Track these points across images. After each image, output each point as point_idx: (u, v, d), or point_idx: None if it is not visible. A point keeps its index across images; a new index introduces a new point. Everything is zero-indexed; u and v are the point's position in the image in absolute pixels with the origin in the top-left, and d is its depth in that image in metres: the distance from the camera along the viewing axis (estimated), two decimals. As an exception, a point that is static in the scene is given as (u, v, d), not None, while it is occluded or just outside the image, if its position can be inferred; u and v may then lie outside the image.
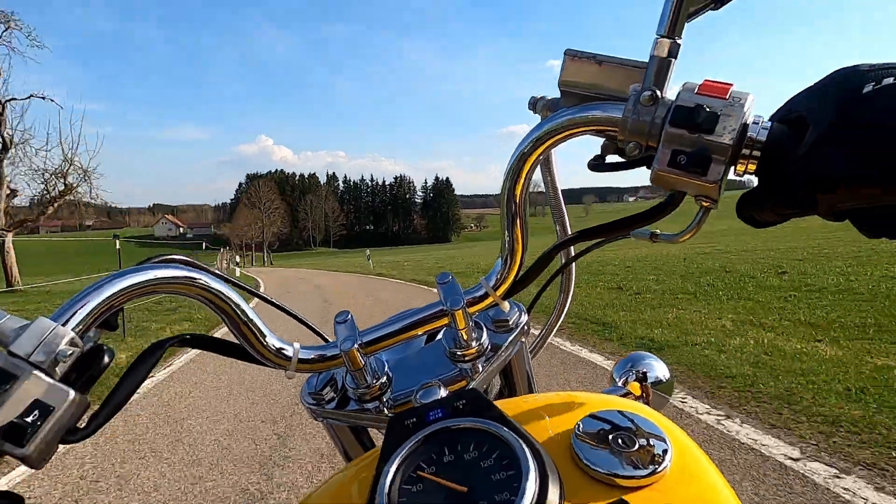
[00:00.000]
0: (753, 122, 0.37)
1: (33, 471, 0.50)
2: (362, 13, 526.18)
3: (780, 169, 0.37)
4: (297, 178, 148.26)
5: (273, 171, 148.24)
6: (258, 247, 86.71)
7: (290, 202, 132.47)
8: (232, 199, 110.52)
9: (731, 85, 0.38)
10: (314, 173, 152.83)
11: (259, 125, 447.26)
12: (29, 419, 0.33)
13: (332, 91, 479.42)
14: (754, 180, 0.40)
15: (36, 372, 0.34)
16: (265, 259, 76.00)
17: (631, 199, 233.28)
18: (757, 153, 0.37)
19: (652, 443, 0.38)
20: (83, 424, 0.37)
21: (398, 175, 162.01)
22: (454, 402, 0.42)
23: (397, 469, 0.37)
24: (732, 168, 0.38)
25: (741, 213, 0.41)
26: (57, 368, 0.36)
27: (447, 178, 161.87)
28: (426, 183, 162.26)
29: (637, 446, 0.38)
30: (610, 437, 0.38)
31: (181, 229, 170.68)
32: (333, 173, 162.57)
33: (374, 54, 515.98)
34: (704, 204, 0.40)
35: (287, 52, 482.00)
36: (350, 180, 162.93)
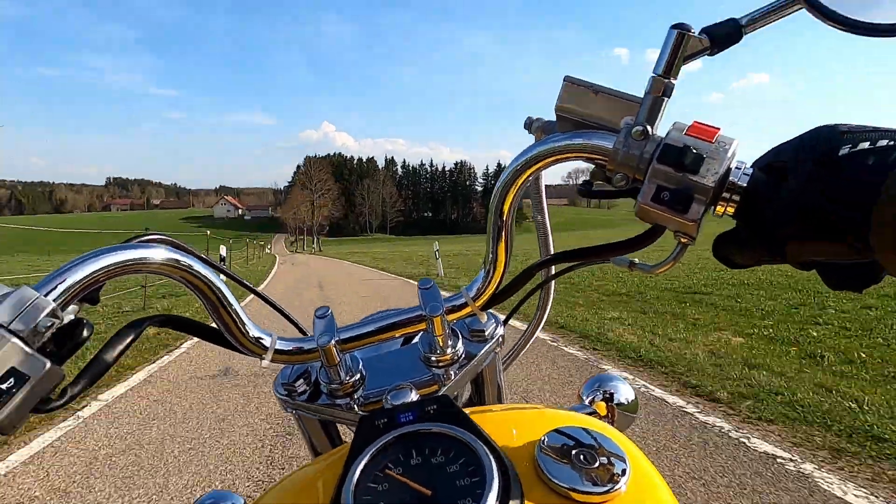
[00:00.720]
0: (736, 167, 0.39)
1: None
2: (422, 3, 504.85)
3: (756, 215, 0.38)
4: (356, 161, 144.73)
5: (332, 153, 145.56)
6: (311, 231, 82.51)
7: (348, 186, 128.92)
8: (289, 182, 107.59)
9: (719, 129, 0.39)
10: (373, 157, 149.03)
11: (322, 112, 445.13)
12: (3, 386, 0.34)
13: (392, 80, 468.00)
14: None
15: (14, 340, 0.34)
16: (315, 244, 71.70)
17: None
18: (737, 197, 0.38)
19: (612, 461, 0.39)
20: (55, 396, 0.38)
21: (458, 161, 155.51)
22: (425, 406, 0.43)
23: (365, 466, 0.38)
24: (712, 208, 0.39)
25: (717, 252, 0.42)
26: (36, 339, 0.36)
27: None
28: (487, 170, 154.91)
29: (597, 464, 0.39)
30: (573, 452, 0.40)
31: (240, 211, 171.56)
32: (392, 157, 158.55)
33: (433, 44, 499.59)
34: (683, 240, 0.41)
35: (350, 40, 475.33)
36: (409, 165, 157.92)
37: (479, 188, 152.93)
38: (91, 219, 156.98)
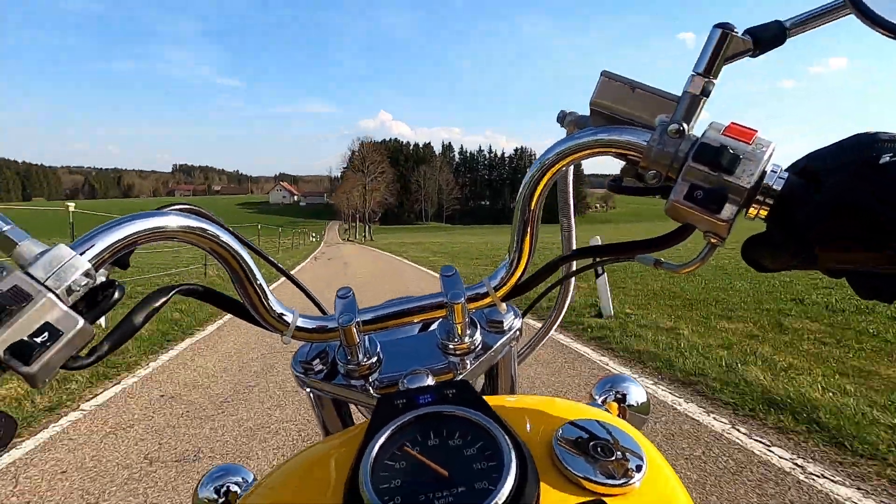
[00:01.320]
0: (772, 171, 0.38)
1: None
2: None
3: (788, 219, 0.38)
4: (412, 147, 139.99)
5: (387, 139, 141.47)
6: (364, 217, 76.45)
7: (404, 172, 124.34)
8: (344, 167, 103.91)
9: (756, 131, 0.39)
10: (429, 142, 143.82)
11: (379, 101, 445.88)
12: (38, 339, 0.34)
13: (449, 69, 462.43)
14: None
15: (50, 296, 0.35)
16: (366, 232, 66.73)
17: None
18: (770, 200, 0.38)
19: (628, 457, 0.39)
20: (84, 354, 0.39)
21: (518, 147, 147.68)
22: (444, 389, 0.43)
23: (383, 444, 0.38)
24: (745, 210, 0.39)
25: (746, 254, 0.42)
26: (69, 297, 0.37)
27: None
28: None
29: (614, 457, 0.39)
30: (589, 444, 0.39)
31: (295, 197, 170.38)
32: (449, 143, 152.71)
33: (491, 32, 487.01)
34: (712, 241, 0.41)
35: (408, 29, 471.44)
36: (466, 151, 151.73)
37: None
38: (154, 203, 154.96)
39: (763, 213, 0.39)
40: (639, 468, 0.38)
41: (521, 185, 0.50)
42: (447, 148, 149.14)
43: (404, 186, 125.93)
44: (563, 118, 0.57)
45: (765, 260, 0.41)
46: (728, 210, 0.38)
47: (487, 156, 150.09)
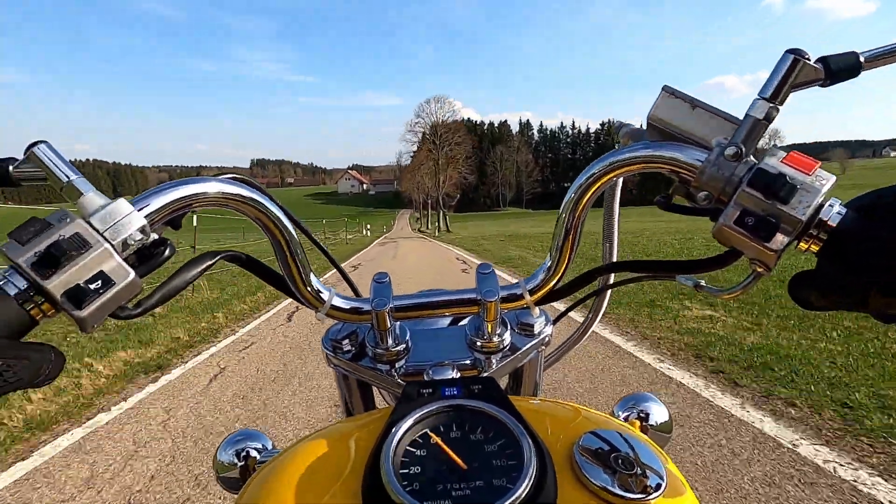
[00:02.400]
0: (829, 205, 0.37)
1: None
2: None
3: (841, 257, 0.36)
4: (486, 126, 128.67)
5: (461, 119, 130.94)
6: (436, 204, 62.02)
7: (479, 154, 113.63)
8: (413, 144, 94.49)
9: (819, 163, 0.38)
10: (505, 120, 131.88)
11: (447, 88, 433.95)
12: (91, 286, 0.36)
13: (518, 55, 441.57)
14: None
15: (107, 246, 0.37)
16: (439, 220, 54.53)
17: (893, 153, 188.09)
18: (824, 235, 0.37)
19: (648, 473, 0.38)
20: (131, 305, 0.40)
21: (606, 121, 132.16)
22: (470, 384, 0.43)
23: (407, 429, 0.39)
24: (796, 242, 0.38)
25: (793, 291, 0.40)
26: (124, 250, 0.39)
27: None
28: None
29: (634, 471, 0.38)
30: (610, 456, 0.39)
31: (364, 186, 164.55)
32: (527, 121, 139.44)
33: (561, 14, 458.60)
34: (759, 269, 0.40)
35: (472, 14, 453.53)
36: (546, 129, 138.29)
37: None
38: None
39: (815, 247, 0.38)
40: (658, 486, 0.38)
41: (568, 192, 0.49)
42: (525, 126, 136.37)
43: (479, 170, 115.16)
44: (618, 129, 0.56)
45: (813, 298, 0.39)
46: (779, 240, 0.38)
47: (570, 133, 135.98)
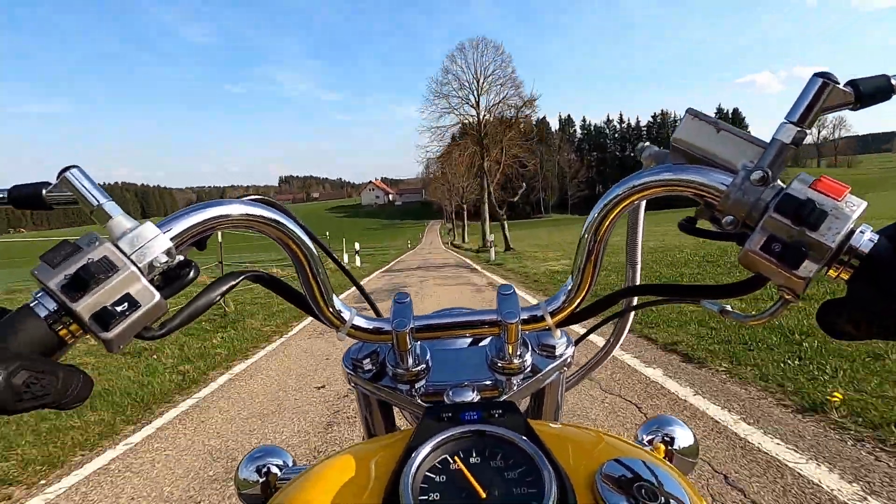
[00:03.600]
0: (860, 231, 0.36)
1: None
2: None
3: (873, 286, 0.36)
4: (522, 123, 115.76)
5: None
6: (479, 210, 37.95)
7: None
8: (447, 134, 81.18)
9: (848, 188, 0.37)
10: (544, 117, 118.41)
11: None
12: (118, 308, 0.37)
13: (542, 56, 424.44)
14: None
15: (133, 269, 0.38)
16: (484, 232, 31.38)
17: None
18: (855, 262, 0.36)
19: (672, 503, 0.38)
20: (156, 326, 0.41)
21: (661, 111, 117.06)
22: (491, 409, 0.43)
23: (427, 455, 0.38)
24: (825, 269, 0.38)
25: (822, 320, 0.39)
26: (150, 272, 0.40)
27: (734, 111, 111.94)
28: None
29: (658, 501, 0.37)
30: (633, 485, 0.38)
31: (390, 196, 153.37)
32: (569, 116, 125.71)
33: (591, 7, 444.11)
34: (786, 296, 0.39)
35: (498, 20, 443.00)
36: (590, 124, 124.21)
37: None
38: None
39: (845, 275, 0.37)
40: None
41: (590, 214, 0.49)
42: (565, 123, 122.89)
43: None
44: (640, 151, 0.56)
45: (844, 327, 0.38)
46: (807, 267, 0.37)
47: (618, 126, 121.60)
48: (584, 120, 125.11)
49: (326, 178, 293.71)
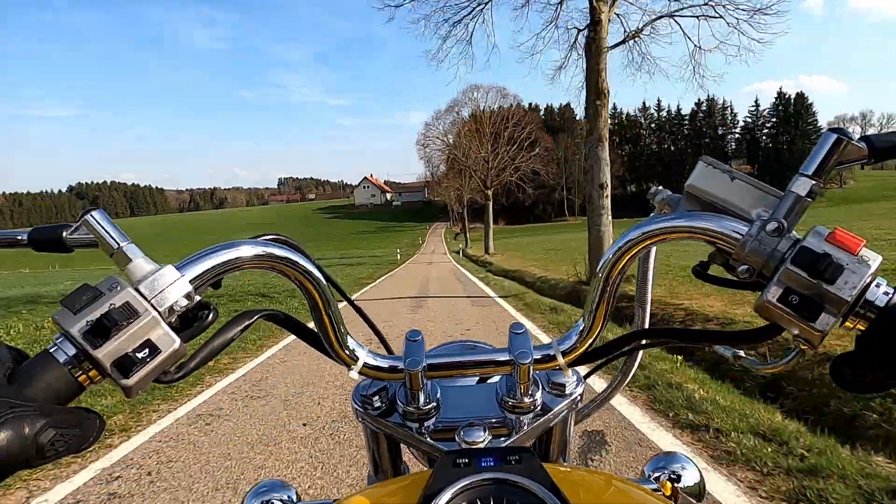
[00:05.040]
0: (876, 285, 0.37)
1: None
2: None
3: (888, 338, 0.36)
4: (542, 111, 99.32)
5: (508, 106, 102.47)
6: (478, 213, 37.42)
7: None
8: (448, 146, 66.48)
9: (864, 241, 0.37)
10: (568, 103, 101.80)
11: (497, 77, 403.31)
12: (139, 355, 0.37)
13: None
14: None
15: (155, 315, 0.38)
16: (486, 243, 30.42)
17: None
18: (871, 315, 0.37)
19: None
20: (174, 369, 0.41)
21: (708, 98, 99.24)
22: (507, 455, 0.43)
23: (446, 502, 0.38)
24: (841, 322, 0.38)
25: (836, 373, 0.39)
26: (170, 316, 0.40)
27: (798, 95, 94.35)
28: (757, 106, 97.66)
29: None
30: None
31: (388, 196, 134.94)
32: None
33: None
34: (802, 347, 0.40)
35: (504, 23, 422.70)
36: (621, 112, 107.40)
37: (740, 134, 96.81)
38: (230, 214, 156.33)
39: (861, 327, 0.37)
40: None
41: (604, 256, 0.50)
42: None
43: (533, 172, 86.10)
44: (653, 196, 0.55)
45: (859, 380, 0.38)
46: (824, 321, 0.37)
47: (655, 116, 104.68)
48: (613, 107, 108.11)
49: (327, 181, 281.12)
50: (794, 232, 0.40)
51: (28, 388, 0.34)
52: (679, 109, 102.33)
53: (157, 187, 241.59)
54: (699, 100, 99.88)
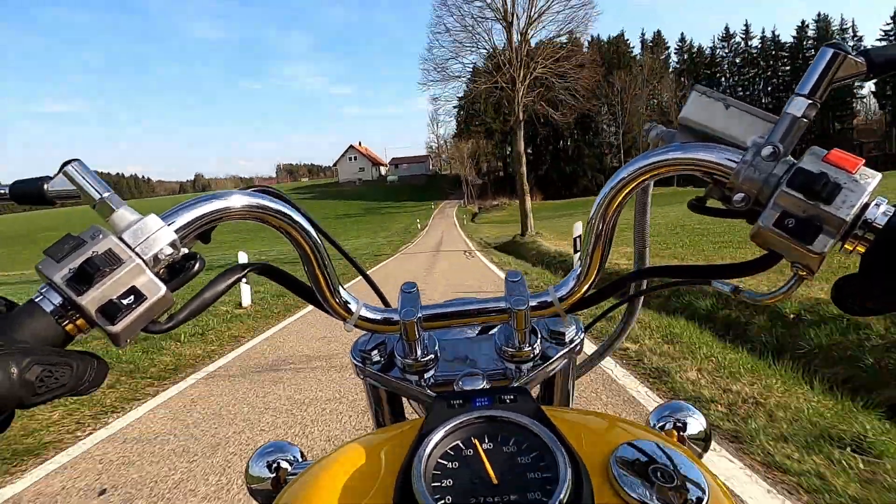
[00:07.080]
0: (875, 204, 0.36)
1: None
2: None
3: (890, 258, 0.35)
4: (588, 42, 74.00)
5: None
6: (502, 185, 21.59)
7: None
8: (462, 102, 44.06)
9: (862, 161, 0.37)
10: (622, 33, 76.03)
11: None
12: (124, 302, 0.37)
13: None
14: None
15: (139, 262, 0.38)
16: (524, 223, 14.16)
17: None
18: (870, 236, 0.36)
19: (689, 486, 0.37)
20: (163, 320, 0.41)
21: (811, 18, 72.71)
22: (502, 394, 0.43)
23: (438, 442, 0.38)
24: (840, 244, 0.37)
25: (838, 296, 0.39)
26: (156, 265, 0.39)
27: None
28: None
29: (674, 484, 0.36)
30: (649, 468, 0.37)
31: (382, 170, 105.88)
32: (659, 31, 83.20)
33: None
34: (801, 273, 0.39)
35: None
36: (692, 43, 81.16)
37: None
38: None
39: (861, 248, 0.36)
40: (699, 500, 0.36)
41: (598, 197, 0.48)
42: (657, 39, 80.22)
43: (581, 123, 61.93)
44: (647, 131, 0.54)
45: (861, 302, 0.38)
46: (822, 242, 0.36)
47: (740, 46, 78.24)
48: (681, 38, 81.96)
49: (328, 167, 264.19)
50: (790, 156, 0.39)
51: (16, 338, 0.34)
52: (776, 36, 75.74)
53: (142, 177, 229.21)
54: (802, 21, 73.14)
